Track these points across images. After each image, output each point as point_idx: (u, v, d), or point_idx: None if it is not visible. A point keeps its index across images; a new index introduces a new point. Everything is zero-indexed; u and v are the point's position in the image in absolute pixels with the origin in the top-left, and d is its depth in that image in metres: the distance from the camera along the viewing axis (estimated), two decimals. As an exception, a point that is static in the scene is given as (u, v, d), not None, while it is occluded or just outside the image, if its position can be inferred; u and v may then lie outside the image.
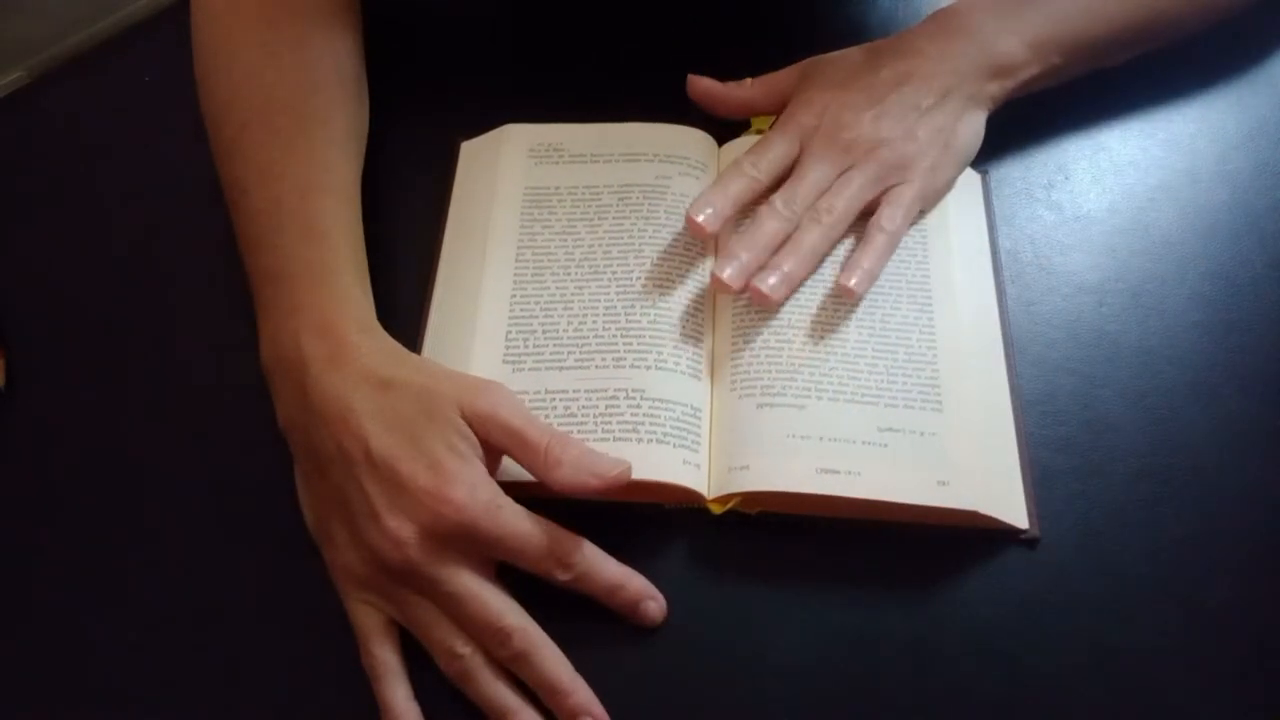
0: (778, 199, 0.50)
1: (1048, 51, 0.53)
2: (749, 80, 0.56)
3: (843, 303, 0.49)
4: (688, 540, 0.46)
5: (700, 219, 0.50)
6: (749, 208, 0.52)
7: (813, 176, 0.51)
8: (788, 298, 0.49)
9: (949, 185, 0.53)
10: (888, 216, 0.50)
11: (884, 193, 0.51)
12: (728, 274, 0.48)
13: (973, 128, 0.53)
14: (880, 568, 0.45)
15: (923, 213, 0.52)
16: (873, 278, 0.49)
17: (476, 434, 0.42)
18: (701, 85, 0.56)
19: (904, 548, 0.45)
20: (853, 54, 0.54)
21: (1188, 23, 0.56)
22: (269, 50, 0.51)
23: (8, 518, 0.48)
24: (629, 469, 0.42)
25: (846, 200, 0.50)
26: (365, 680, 0.42)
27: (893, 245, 0.50)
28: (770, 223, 0.50)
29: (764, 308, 0.49)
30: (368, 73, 0.55)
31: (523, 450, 0.42)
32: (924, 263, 0.50)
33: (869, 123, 0.51)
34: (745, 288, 0.48)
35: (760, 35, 0.61)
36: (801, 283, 0.49)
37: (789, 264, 0.49)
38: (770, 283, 0.48)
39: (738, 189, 0.51)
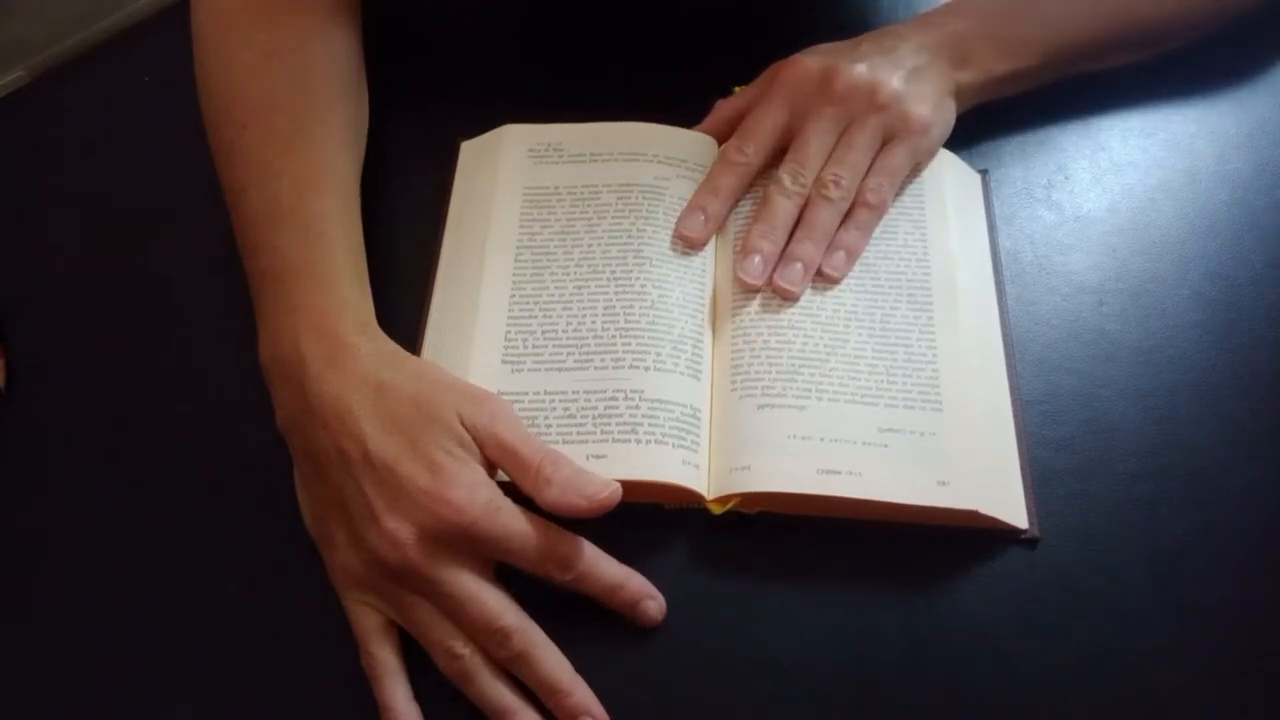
0: (785, 176, 0.50)
1: (1022, 51, 0.53)
2: (721, 101, 0.56)
3: (843, 302, 0.49)
4: (687, 540, 0.46)
5: (691, 231, 0.50)
6: (745, 193, 0.52)
7: (816, 142, 0.51)
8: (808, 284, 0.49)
9: (938, 146, 0.53)
10: (873, 188, 0.50)
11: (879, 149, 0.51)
12: (754, 270, 0.49)
13: (949, 107, 0.53)
14: (880, 568, 0.45)
15: (917, 168, 0.52)
16: (854, 258, 0.50)
17: None
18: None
19: (904, 548, 0.45)
20: (831, 44, 0.54)
21: (1171, 32, 0.56)
22: (269, 50, 0.51)
23: (7, 518, 0.48)
24: (618, 491, 0.42)
25: (850, 168, 0.50)
26: (365, 680, 0.42)
27: (878, 218, 0.50)
28: (784, 203, 0.50)
29: (787, 300, 0.49)
30: (368, 73, 0.55)
31: (515, 466, 0.42)
32: (924, 263, 0.50)
33: (860, 70, 0.51)
34: (770, 281, 0.49)
35: (760, 35, 0.61)
36: (818, 264, 0.50)
37: (805, 250, 0.49)
38: (792, 276, 0.48)
39: (729, 183, 0.51)
